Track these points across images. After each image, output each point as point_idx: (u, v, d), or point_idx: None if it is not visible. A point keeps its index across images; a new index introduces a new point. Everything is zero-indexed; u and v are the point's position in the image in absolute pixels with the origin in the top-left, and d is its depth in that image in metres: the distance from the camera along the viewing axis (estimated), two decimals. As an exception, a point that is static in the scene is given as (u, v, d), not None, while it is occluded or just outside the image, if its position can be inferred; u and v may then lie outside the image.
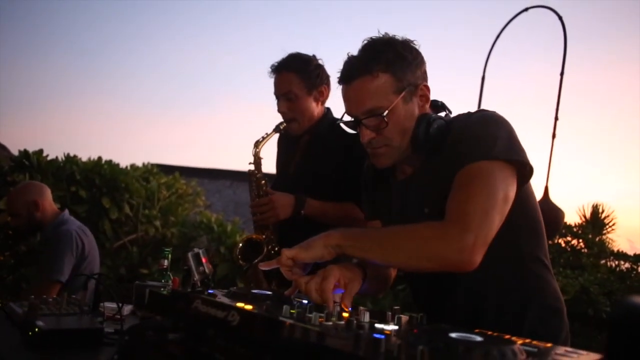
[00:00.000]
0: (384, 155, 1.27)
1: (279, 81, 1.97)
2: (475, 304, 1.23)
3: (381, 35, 1.25)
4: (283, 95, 1.96)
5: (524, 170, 1.16)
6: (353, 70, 1.23)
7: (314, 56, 2.02)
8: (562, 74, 4.22)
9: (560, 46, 4.14)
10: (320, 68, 2.01)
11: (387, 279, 1.41)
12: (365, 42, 1.25)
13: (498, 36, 4.90)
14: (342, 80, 1.25)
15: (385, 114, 1.19)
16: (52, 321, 1.23)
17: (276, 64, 1.99)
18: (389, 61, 1.20)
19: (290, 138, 2.09)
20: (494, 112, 1.24)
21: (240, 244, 2.00)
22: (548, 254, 1.30)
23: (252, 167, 2.02)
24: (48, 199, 2.83)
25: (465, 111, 1.30)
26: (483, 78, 4.90)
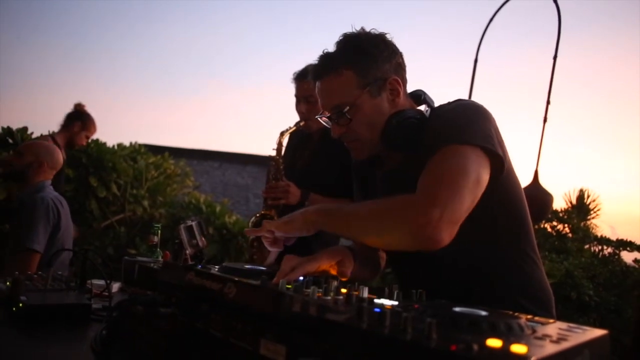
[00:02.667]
0: (357, 150, 1.29)
1: (302, 87, 2.28)
2: (458, 297, 1.21)
3: (353, 31, 1.26)
4: (304, 98, 2.27)
5: (497, 163, 1.13)
6: (320, 68, 1.27)
7: None
8: (555, 57, 4.20)
9: (554, 29, 4.12)
10: None
11: (377, 263, 1.40)
12: (338, 38, 1.27)
13: (491, 19, 4.86)
14: (312, 77, 1.29)
15: (346, 109, 1.22)
16: (37, 297, 1.19)
17: (299, 72, 2.30)
18: (352, 57, 1.22)
19: (302, 135, 2.40)
20: (474, 101, 1.23)
21: (254, 218, 2.26)
22: (535, 246, 1.28)
23: (273, 153, 2.34)
24: (52, 172, 2.73)
25: (446, 101, 1.28)
26: (476, 61, 4.88)
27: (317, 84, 1.28)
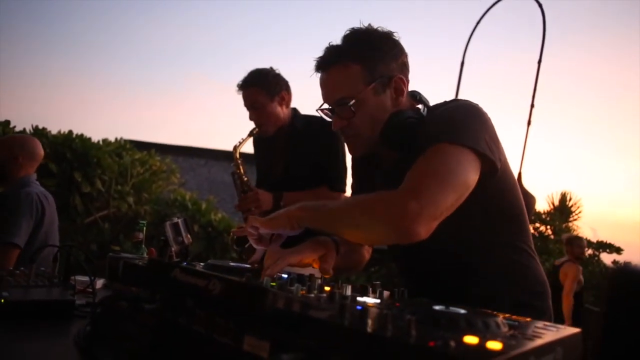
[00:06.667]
0: (355, 145, 1.29)
1: (245, 95, 2.34)
2: (460, 287, 1.22)
3: (361, 26, 1.26)
4: (250, 106, 2.33)
5: (487, 164, 1.14)
6: (327, 59, 1.26)
7: (271, 67, 2.40)
8: (539, 61, 4.27)
9: (539, 33, 4.18)
10: (278, 77, 2.38)
11: (361, 255, 1.42)
12: (346, 32, 1.26)
13: (478, 22, 4.92)
14: (317, 68, 1.28)
15: (351, 103, 1.21)
16: (20, 293, 1.18)
17: (241, 82, 2.34)
18: (361, 52, 1.22)
19: (267, 140, 2.43)
20: (470, 101, 1.23)
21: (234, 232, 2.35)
22: (531, 241, 1.31)
23: (234, 168, 2.41)
24: (32, 164, 2.68)
25: (442, 101, 1.29)
26: (462, 64, 4.93)
27: (322, 75, 1.27)
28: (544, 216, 6.74)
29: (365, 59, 1.21)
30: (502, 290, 1.22)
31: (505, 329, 0.65)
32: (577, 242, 5.40)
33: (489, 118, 1.20)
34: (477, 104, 1.22)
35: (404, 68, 1.28)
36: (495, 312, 0.75)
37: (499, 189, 1.22)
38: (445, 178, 1.05)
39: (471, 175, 1.09)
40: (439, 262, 1.25)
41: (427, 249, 1.24)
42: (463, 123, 1.14)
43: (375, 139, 1.25)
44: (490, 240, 1.24)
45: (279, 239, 1.19)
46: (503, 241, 1.25)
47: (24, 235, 2.45)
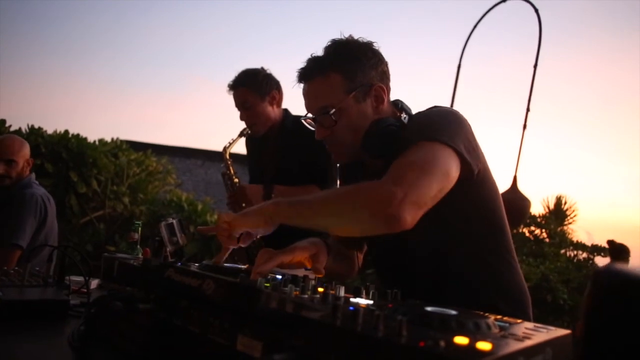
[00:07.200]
0: (338, 153, 1.31)
1: (235, 95, 2.33)
2: (441, 294, 1.22)
3: (342, 37, 1.29)
4: (241, 105, 2.32)
5: (466, 164, 1.14)
6: (308, 70, 1.29)
7: (261, 68, 2.39)
8: (535, 66, 4.30)
9: (536, 37, 4.21)
10: (268, 76, 2.37)
11: (352, 261, 1.42)
12: (327, 43, 1.29)
13: (475, 26, 4.95)
14: (299, 79, 1.31)
15: (332, 112, 1.24)
16: (14, 292, 1.18)
17: (231, 82, 2.33)
18: (341, 62, 1.25)
19: (258, 140, 2.44)
20: (448, 107, 1.27)
21: None
22: (512, 249, 1.31)
23: (224, 169, 2.43)
24: None
25: (425, 108, 1.31)
26: (459, 67, 4.95)
27: (304, 85, 1.30)
28: (539, 219, 6.77)
29: (345, 69, 1.24)
30: (483, 299, 1.21)
31: (495, 330, 0.66)
32: (627, 251, 5.15)
33: (468, 124, 1.22)
34: (457, 110, 1.25)
35: (384, 77, 1.30)
36: (486, 314, 0.76)
37: (481, 197, 1.23)
38: (427, 168, 1.06)
39: (451, 168, 1.09)
40: (420, 269, 1.26)
41: (408, 255, 1.24)
42: (440, 124, 1.16)
43: (358, 147, 1.26)
44: (472, 248, 1.24)
45: (248, 238, 1.16)
46: (485, 250, 1.25)
47: (28, 236, 2.47)
